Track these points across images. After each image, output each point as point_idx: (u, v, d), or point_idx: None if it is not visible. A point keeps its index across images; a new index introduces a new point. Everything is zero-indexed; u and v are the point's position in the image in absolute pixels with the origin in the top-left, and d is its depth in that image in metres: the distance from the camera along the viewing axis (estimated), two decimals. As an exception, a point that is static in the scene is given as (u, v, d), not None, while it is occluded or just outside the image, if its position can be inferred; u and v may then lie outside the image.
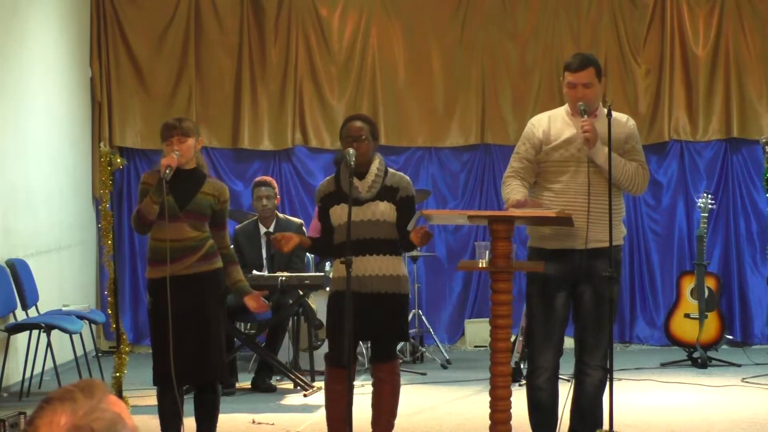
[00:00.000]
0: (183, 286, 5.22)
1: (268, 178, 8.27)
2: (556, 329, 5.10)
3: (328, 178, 5.57)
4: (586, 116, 5.00)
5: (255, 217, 8.13)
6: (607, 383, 5.14)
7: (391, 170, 5.47)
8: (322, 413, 6.63)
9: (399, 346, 8.72)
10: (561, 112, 5.20)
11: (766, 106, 9.76)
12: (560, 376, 6.20)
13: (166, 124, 5.40)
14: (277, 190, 8.12)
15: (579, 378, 5.15)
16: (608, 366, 5.07)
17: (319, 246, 5.68)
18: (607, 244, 5.01)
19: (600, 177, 5.05)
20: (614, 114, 5.27)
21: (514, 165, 5.20)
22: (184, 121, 5.42)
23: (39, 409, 1.78)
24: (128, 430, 1.79)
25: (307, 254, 8.28)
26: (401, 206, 5.35)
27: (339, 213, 5.34)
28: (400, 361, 8.71)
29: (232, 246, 5.79)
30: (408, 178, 5.50)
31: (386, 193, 5.34)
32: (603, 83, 5.25)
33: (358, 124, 5.41)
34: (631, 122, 5.27)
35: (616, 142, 5.07)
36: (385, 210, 5.32)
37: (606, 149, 5.00)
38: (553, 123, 5.16)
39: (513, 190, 5.10)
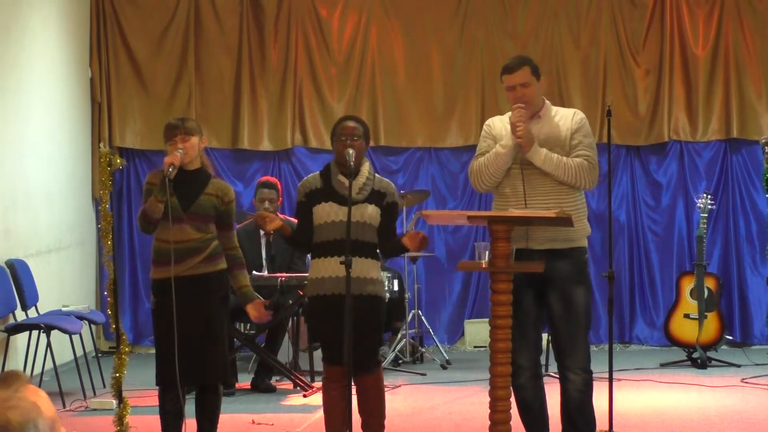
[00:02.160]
0: (187, 286, 5.23)
1: (273, 180, 8.25)
2: (530, 327, 5.11)
3: (313, 174, 5.55)
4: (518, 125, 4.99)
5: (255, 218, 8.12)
6: (600, 385, 5.14)
7: (377, 175, 5.48)
8: (321, 413, 6.63)
9: (398, 347, 8.72)
10: (506, 118, 5.18)
11: (766, 106, 9.76)
12: (551, 374, 6.21)
13: (168, 124, 5.40)
14: (280, 191, 8.12)
15: (562, 383, 5.15)
16: (609, 366, 5.07)
17: (296, 240, 5.59)
18: (565, 245, 5.04)
19: (541, 177, 5.03)
20: (561, 109, 5.27)
21: (478, 158, 5.18)
22: (187, 121, 5.43)
23: None
24: (45, 420, 1.79)
25: (308, 256, 8.27)
26: (387, 212, 5.37)
27: (327, 211, 5.32)
28: (401, 361, 8.74)
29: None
30: (393, 184, 5.53)
31: (375, 197, 5.35)
32: (543, 82, 5.20)
33: (352, 123, 5.42)
34: (579, 116, 5.20)
35: (558, 139, 5.07)
36: (372, 213, 5.32)
37: (543, 151, 4.98)
38: (502, 126, 5.15)
39: (488, 154, 5.08)
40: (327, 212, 5.31)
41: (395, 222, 5.47)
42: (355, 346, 5.25)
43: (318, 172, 5.49)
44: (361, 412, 5.44)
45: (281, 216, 8.16)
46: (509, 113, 5.20)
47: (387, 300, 8.18)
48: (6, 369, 7.47)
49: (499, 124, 5.19)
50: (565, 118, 5.16)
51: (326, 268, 5.28)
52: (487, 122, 5.30)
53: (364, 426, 5.46)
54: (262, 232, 8.01)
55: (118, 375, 5.66)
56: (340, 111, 9.78)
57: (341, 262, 5.03)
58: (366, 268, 5.29)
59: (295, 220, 8.19)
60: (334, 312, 5.16)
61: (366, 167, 5.40)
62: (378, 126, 9.87)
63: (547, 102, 5.22)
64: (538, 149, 5.00)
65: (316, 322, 5.43)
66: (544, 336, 5.33)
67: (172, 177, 5.19)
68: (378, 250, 5.44)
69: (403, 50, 9.95)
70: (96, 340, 9.24)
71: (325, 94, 9.94)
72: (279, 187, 8.13)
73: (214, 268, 5.34)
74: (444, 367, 8.72)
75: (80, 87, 9.59)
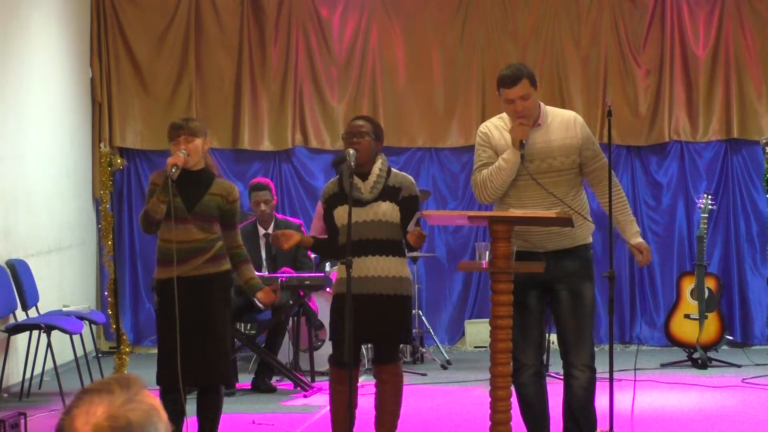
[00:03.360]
0: (190, 287, 5.23)
1: (264, 180, 8.24)
2: (534, 326, 5.11)
3: (333, 179, 5.58)
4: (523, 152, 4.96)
5: (254, 219, 8.12)
6: (604, 384, 5.14)
7: (394, 170, 5.46)
8: (322, 414, 6.63)
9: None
10: (502, 124, 5.13)
11: (766, 107, 9.75)
12: (552, 375, 6.20)
13: (173, 124, 5.40)
14: (273, 190, 8.11)
15: (567, 380, 5.15)
16: (609, 366, 5.07)
17: (323, 246, 5.67)
18: (571, 244, 5.06)
19: (552, 187, 5.03)
20: (557, 112, 5.22)
21: (481, 170, 5.13)
22: (192, 121, 5.43)
23: (76, 399, 1.82)
24: (163, 423, 1.82)
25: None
26: (404, 206, 5.33)
27: (341, 214, 5.33)
28: (402, 361, 8.73)
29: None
30: (411, 178, 5.49)
31: (388, 193, 5.33)
32: (539, 88, 5.16)
33: (360, 122, 5.42)
34: (580, 122, 5.16)
35: (561, 147, 5.04)
36: (387, 210, 5.30)
37: (635, 228, 5.21)
38: (500, 135, 5.12)
39: (491, 168, 5.06)
40: (341, 215, 5.33)
41: (414, 215, 5.36)
42: (378, 341, 5.39)
43: (337, 177, 5.51)
44: (377, 407, 5.45)
45: (279, 216, 8.18)
46: (501, 116, 5.15)
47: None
48: (5, 369, 7.48)
49: (497, 133, 5.11)
50: (566, 124, 5.11)
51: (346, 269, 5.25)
52: (481, 130, 5.20)
53: (377, 422, 5.46)
54: (261, 233, 8.01)
55: (118, 375, 5.66)
56: (340, 111, 9.79)
57: (341, 263, 5.04)
58: (387, 266, 5.29)
59: (296, 221, 8.28)
60: (362, 310, 5.15)
61: (378, 165, 5.36)
62: (378, 126, 9.86)
63: (542, 105, 5.17)
64: (633, 232, 5.19)
65: (337, 320, 5.40)
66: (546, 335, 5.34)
67: (175, 178, 5.18)
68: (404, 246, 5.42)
69: (404, 50, 9.95)
70: (96, 341, 9.24)
71: (325, 95, 9.94)
72: (271, 186, 8.11)
73: (218, 268, 5.34)
74: (444, 368, 8.72)
75: (81, 87, 9.59)
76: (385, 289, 5.28)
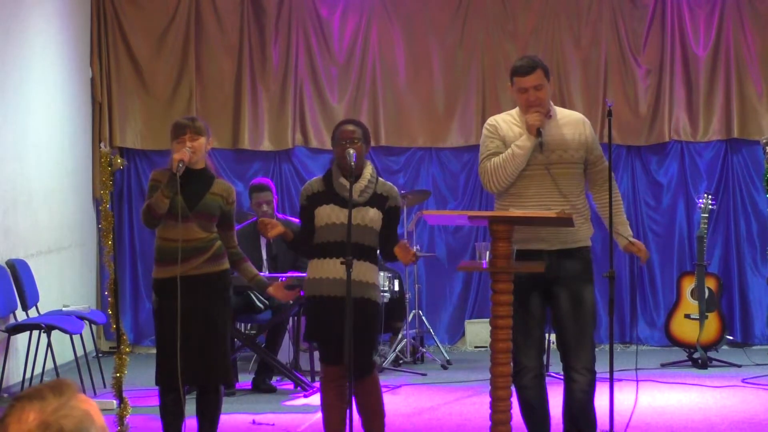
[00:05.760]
0: (190, 286, 5.22)
1: (265, 181, 8.25)
2: (535, 328, 5.10)
3: (316, 177, 5.56)
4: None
5: (254, 219, 8.12)
6: (601, 385, 5.14)
7: (380, 179, 5.49)
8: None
9: (399, 347, 8.72)
10: (510, 119, 5.17)
11: (766, 107, 9.76)
12: (554, 375, 6.19)
13: (178, 122, 5.41)
14: (274, 190, 8.11)
15: (567, 383, 5.15)
16: (609, 366, 5.07)
17: (297, 243, 5.59)
18: (573, 245, 5.07)
19: (562, 179, 5.04)
20: (564, 111, 5.27)
21: (490, 158, 5.15)
22: (197, 121, 5.45)
23: (9, 407, 1.81)
24: (97, 428, 1.81)
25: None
26: (388, 216, 5.38)
27: (328, 213, 5.32)
28: (401, 361, 8.73)
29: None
30: (396, 188, 5.53)
31: (376, 200, 5.36)
32: (552, 83, 5.20)
33: (351, 127, 5.43)
34: (588, 124, 5.23)
35: (571, 142, 5.06)
36: (374, 217, 5.33)
37: (627, 228, 5.27)
38: (508, 128, 5.13)
39: (503, 155, 5.07)
40: (328, 214, 5.32)
41: (397, 226, 5.47)
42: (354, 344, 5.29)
43: (320, 176, 5.49)
44: (361, 412, 5.45)
45: (280, 216, 8.18)
46: (510, 112, 5.19)
47: (387, 301, 8.24)
48: (6, 369, 7.48)
49: (505, 125, 5.15)
50: (575, 123, 5.15)
51: (325, 269, 5.28)
52: (489, 122, 5.25)
53: (364, 425, 5.47)
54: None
55: (118, 375, 5.66)
56: (340, 111, 9.79)
57: (342, 262, 5.03)
58: (363, 271, 5.28)
59: (297, 221, 8.23)
60: (332, 313, 5.18)
61: (368, 170, 5.40)
62: (379, 126, 9.87)
63: (551, 102, 5.22)
64: (629, 233, 5.29)
65: (314, 322, 5.42)
66: (546, 336, 5.33)
67: (181, 173, 5.18)
68: (379, 254, 5.46)
69: (404, 50, 9.95)
70: (96, 340, 9.24)
71: (325, 95, 9.94)
72: (272, 186, 8.12)
73: (218, 267, 5.35)
74: (445, 368, 8.71)
75: (81, 87, 9.59)
76: (361, 293, 5.26)
